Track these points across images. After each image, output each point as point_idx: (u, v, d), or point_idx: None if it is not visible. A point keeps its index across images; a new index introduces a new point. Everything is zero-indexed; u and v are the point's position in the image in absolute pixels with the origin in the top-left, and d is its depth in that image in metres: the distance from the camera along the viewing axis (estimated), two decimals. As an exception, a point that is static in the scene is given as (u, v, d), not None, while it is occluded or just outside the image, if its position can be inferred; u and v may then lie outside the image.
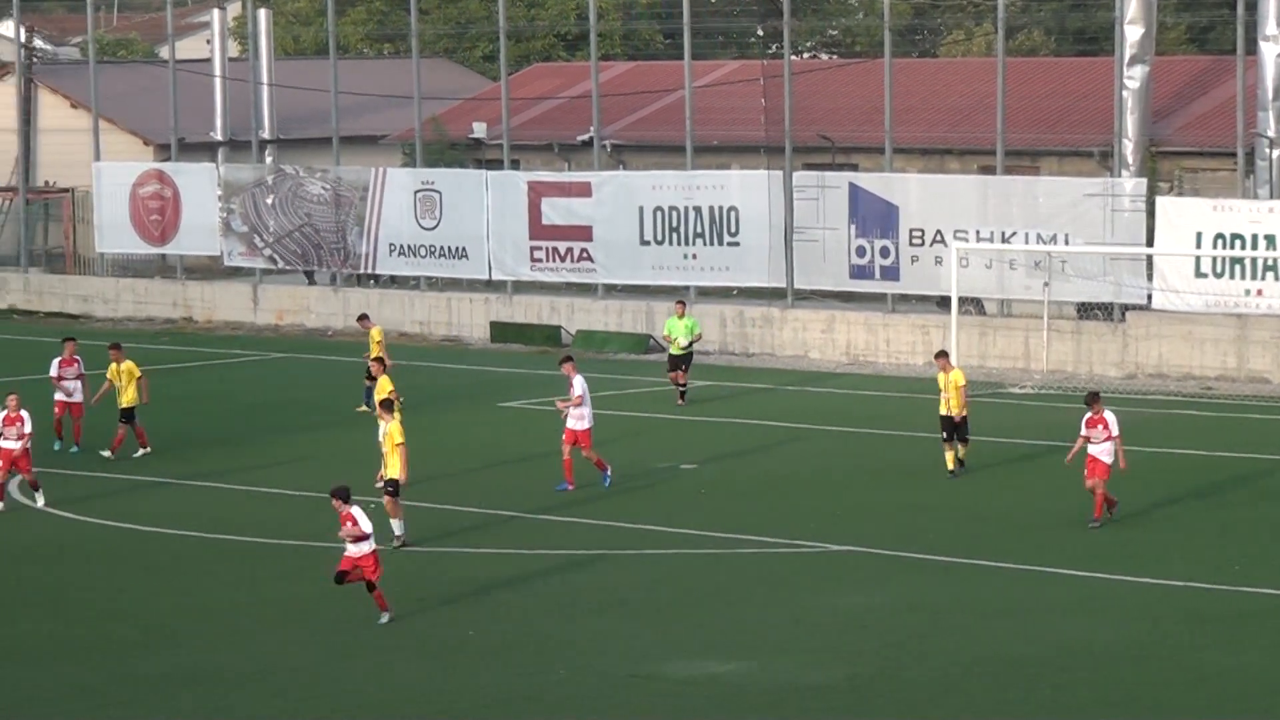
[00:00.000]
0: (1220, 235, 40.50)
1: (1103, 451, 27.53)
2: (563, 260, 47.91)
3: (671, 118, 52.70)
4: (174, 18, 57.63)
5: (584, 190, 47.77)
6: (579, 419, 30.27)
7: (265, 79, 56.13)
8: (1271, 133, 40.98)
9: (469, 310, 49.30)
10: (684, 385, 38.74)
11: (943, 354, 31.96)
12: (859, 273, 44.38)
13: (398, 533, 26.68)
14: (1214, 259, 40.44)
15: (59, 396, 34.21)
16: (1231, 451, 33.33)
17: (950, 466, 31.09)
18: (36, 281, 55.93)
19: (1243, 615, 23.23)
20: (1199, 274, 40.72)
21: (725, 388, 41.16)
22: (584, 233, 47.56)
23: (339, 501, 22.82)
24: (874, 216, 43.99)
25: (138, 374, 33.72)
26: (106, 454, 33.32)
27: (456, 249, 49.15)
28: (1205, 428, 36.00)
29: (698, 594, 24.47)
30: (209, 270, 54.92)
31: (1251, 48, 41.48)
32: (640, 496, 30.32)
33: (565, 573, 25.74)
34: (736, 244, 45.71)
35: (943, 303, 43.12)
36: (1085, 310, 42.35)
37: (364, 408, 36.13)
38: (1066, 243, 41.79)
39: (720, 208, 45.89)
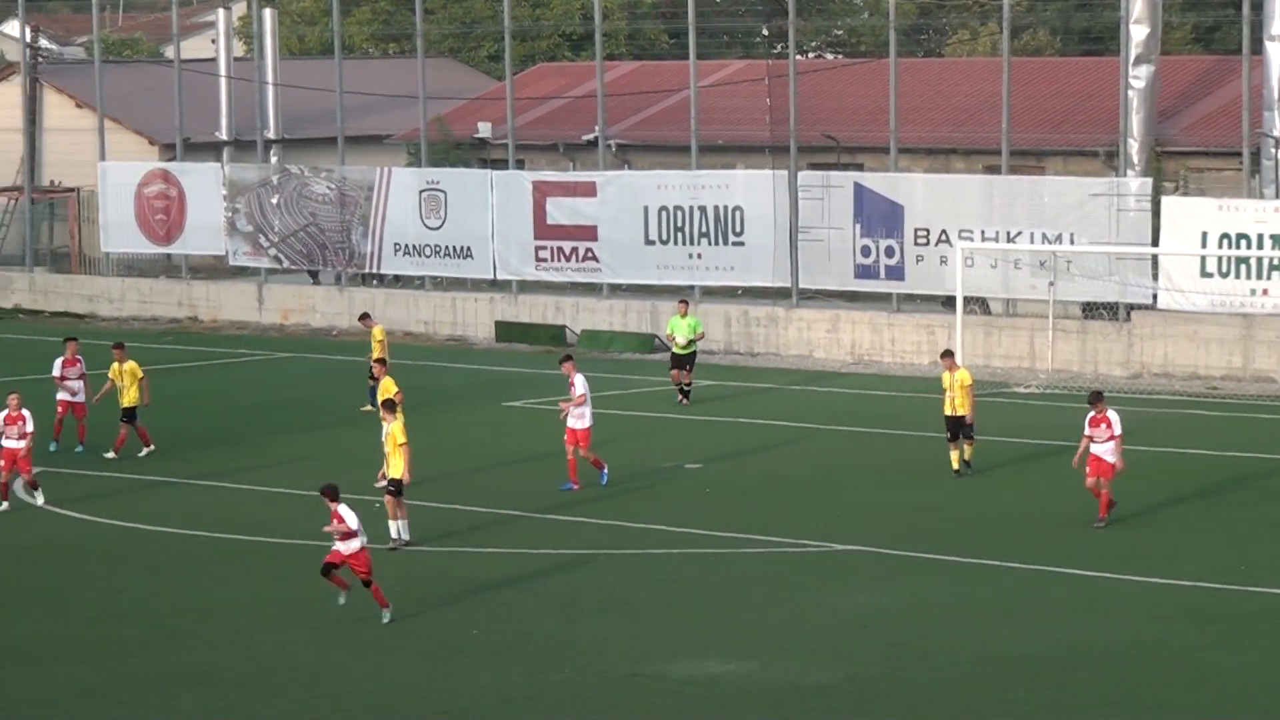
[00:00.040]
0: (1225, 235, 40.44)
1: (1106, 451, 27.47)
2: (568, 260, 47.88)
3: (676, 117, 52.66)
4: (179, 17, 57.64)
5: (589, 190, 47.75)
6: (579, 418, 30.24)
7: (270, 79, 56.11)
8: (1277, 132, 40.91)
9: (474, 310, 49.28)
10: (688, 385, 38.71)
11: (948, 354, 31.91)
12: (864, 272, 44.33)
13: (394, 535, 26.61)
14: (1219, 259, 40.39)
15: (62, 396, 34.19)
16: (1237, 451, 33.27)
17: (955, 466, 31.04)
18: (42, 281, 55.94)
19: (1248, 616, 23.18)
20: (1204, 274, 40.67)
21: (730, 387, 41.12)
22: (589, 232, 47.54)
23: (327, 499, 22.84)
24: (879, 216, 43.94)
25: (140, 374, 33.70)
26: (110, 455, 33.30)
27: (461, 249, 49.13)
28: (1211, 428, 35.94)
29: (701, 594, 24.43)
30: (214, 270, 54.92)
31: (1257, 47, 41.40)
32: (644, 496, 30.29)
33: (568, 572, 25.71)
34: (741, 244, 45.68)
35: (948, 302, 43.08)
36: (1090, 310, 42.30)
37: (369, 407, 36.10)
38: (1072, 242, 41.74)
39: (725, 207, 45.86)
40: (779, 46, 58.20)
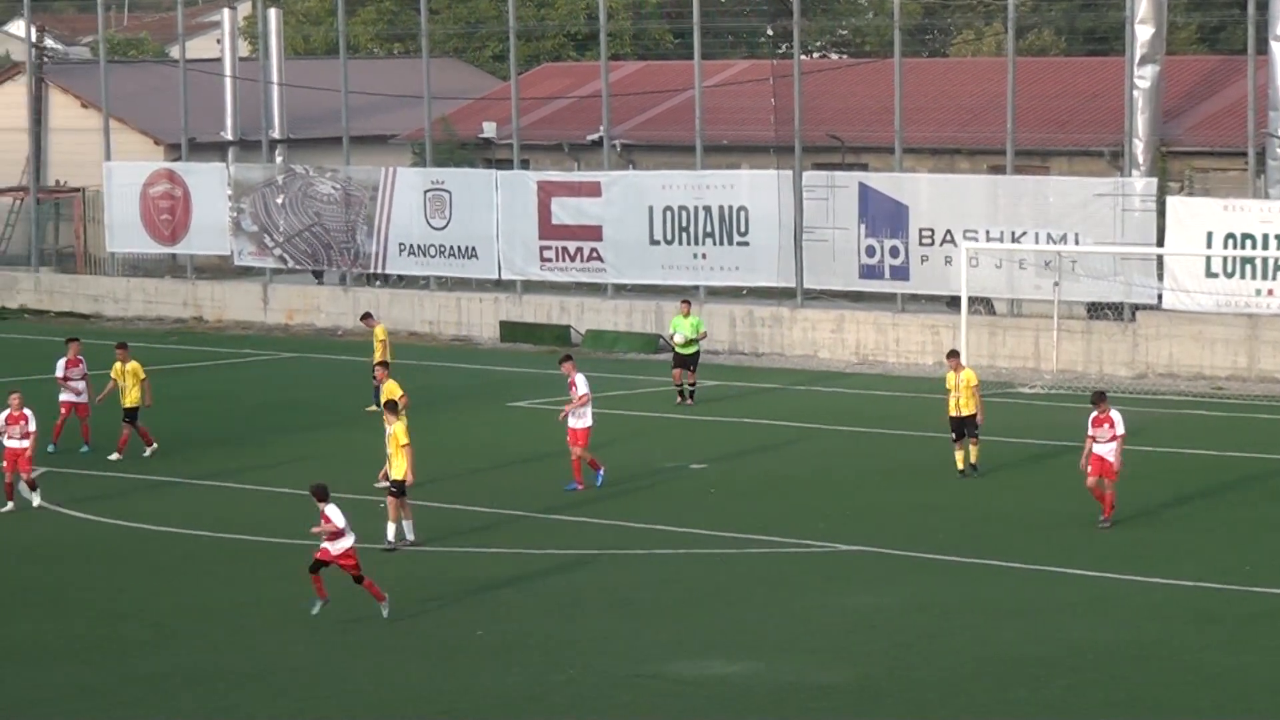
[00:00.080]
0: (1231, 235, 40.42)
1: (1108, 451, 27.43)
2: (572, 260, 47.88)
3: (681, 117, 52.64)
4: (184, 17, 57.64)
5: (594, 190, 47.75)
6: (579, 417, 30.21)
7: (275, 79, 56.13)
8: (1282, 132, 40.88)
9: (478, 310, 49.28)
10: (692, 384, 38.69)
11: (954, 354, 31.89)
12: (869, 272, 44.32)
13: (390, 536, 26.58)
14: (1225, 259, 40.37)
15: (65, 398, 34.11)
16: (1242, 451, 33.25)
17: (960, 466, 31.01)
18: (47, 281, 55.96)
19: (1251, 616, 23.16)
20: (1209, 274, 40.64)
21: (734, 387, 41.11)
22: (594, 232, 47.53)
23: (316, 499, 22.82)
24: (884, 216, 43.93)
25: (142, 375, 33.67)
26: (114, 456, 33.29)
27: (466, 249, 49.13)
28: (1216, 428, 35.91)
29: (704, 594, 24.42)
30: (219, 270, 54.94)
31: (1262, 47, 41.38)
32: (648, 496, 30.28)
33: (571, 572, 25.70)
34: (746, 244, 45.67)
35: (952, 303, 43.05)
36: (1095, 310, 42.27)
37: (374, 408, 36.10)
38: (1077, 242, 41.71)
39: (730, 207, 45.85)
40: (784, 46, 58.14)
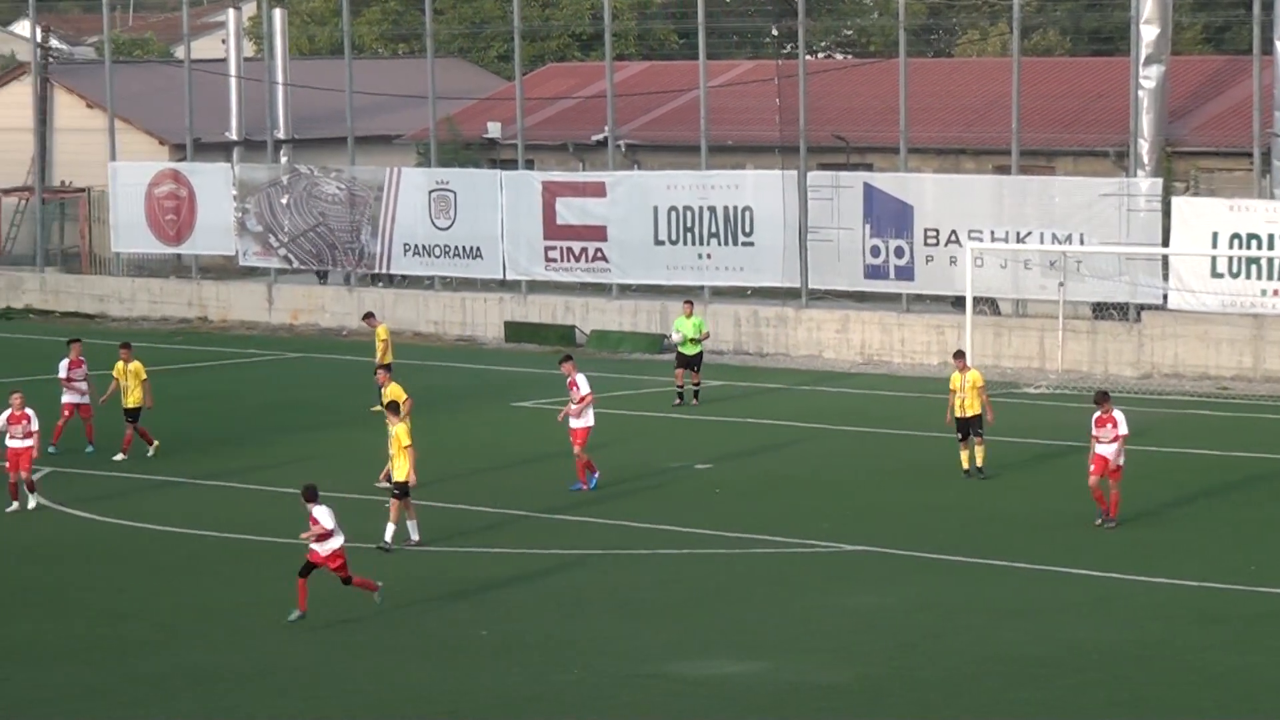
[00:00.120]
0: (1236, 235, 40.39)
1: (1111, 451, 27.39)
2: (577, 260, 47.87)
3: (686, 117, 52.64)
4: (190, 18, 57.69)
5: (598, 190, 47.74)
6: (580, 417, 30.18)
7: (280, 79, 56.16)
8: (1288, 132, 40.85)
9: (483, 310, 49.28)
10: (696, 384, 38.67)
11: (960, 354, 31.86)
12: (874, 272, 44.29)
13: (387, 537, 26.54)
14: (1230, 259, 40.33)
15: (68, 399, 34.02)
16: (1247, 452, 33.22)
17: (965, 466, 30.99)
18: (52, 281, 55.98)
19: (1255, 616, 23.14)
20: (1215, 274, 40.61)
21: (739, 387, 41.10)
22: (598, 233, 47.52)
23: (305, 501, 22.75)
24: (889, 216, 43.91)
25: (143, 376, 33.64)
26: (119, 456, 33.29)
27: (471, 249, 49.13)
28: (1221, 428, 35.89)
29: (709, 594, 24.41)
30: (224, 270, 54.95)
31: (1268, 47, 41.35)
32: (652, 496, 30.27)
33: (575, 572, 25.70)
34: (751, 244, 45.65)
35: (957, 303, 43.01)
36: (1100, 310, 42.24)
37: (378, 408, 36.08)
38: (1082, 242, 41.68)
39: (735, 208, 45.84)
40: (788, 47, 58.10)
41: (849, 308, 45.30)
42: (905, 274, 43.91)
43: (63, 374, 34.15)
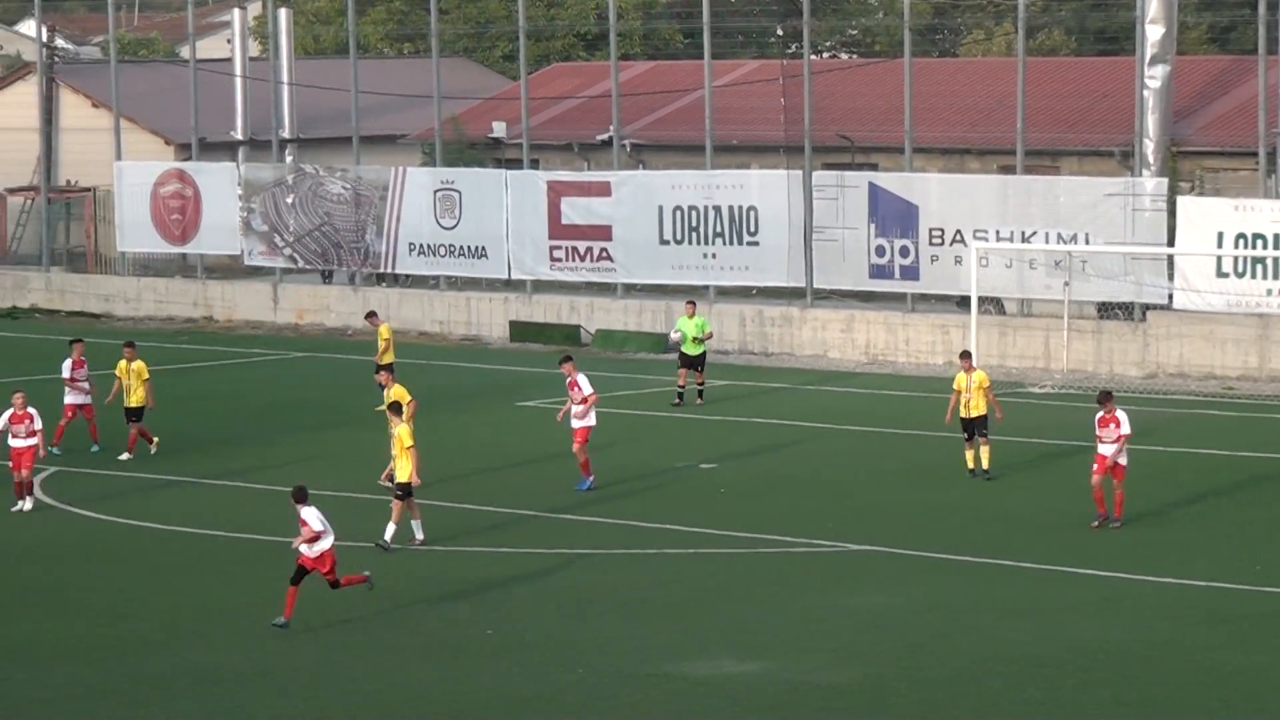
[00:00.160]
0: (1241, 235, 40.38)
1: (1114, 451, 27.38)
2: (582, 260, 47.89)
3: (691, 117, 52.64)
4: (195, 17, 57.72)
5: (603, 190, 47.76)
6: (582, 417, 30.17)
7: (285, 78, 56.17)
8: (1293, 132, 40.87)
9: (488, 310, 49.30)
10: (701, 384, 38.68)
11: (966, 354, 31.86)
12: (878, 272, 44.30)
13: (387, 537, 26.52)
14: (1235, 259, 40.33)
15: (70, 399, 33.91)
16: (1253, 451, 33.21)
17: (970, 466, 30.98)
18: (58, 281, 56.02)
19: (1262, 616, 23.14)
20: (1220, 274, 40.60)
21: (744, 387, 41.11)
22: (603, 232, 47.54)
23: (294, 501, 22.66)
24: (894, 216, 43.92)
25: (146, 375, 33.61)
26: (125, 456, 33.29)
27: (476, 248, 49.15)
28: (1226, 428, 35.88)
29: (715, 593, 24.42)
30: (229, 269, 54.98)
31: (1273, 47, 41.34)
32: (657, 496, 30.27)
33: (580, 572, 25.70)
34: (756, 244, 45.66)
35: (962, 302, 43.03)
36: (1106, 310, 42.24)
37: (383, 407, 36.11)
38: (1087, 242, 41.69)
39: (740, 207, 45.85)
40: (794, 46, 58.15)
41: (854, 307, 45.30)
42: (910, 274, 43.92)
43: (66, 374, 34.12)
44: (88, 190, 58.43)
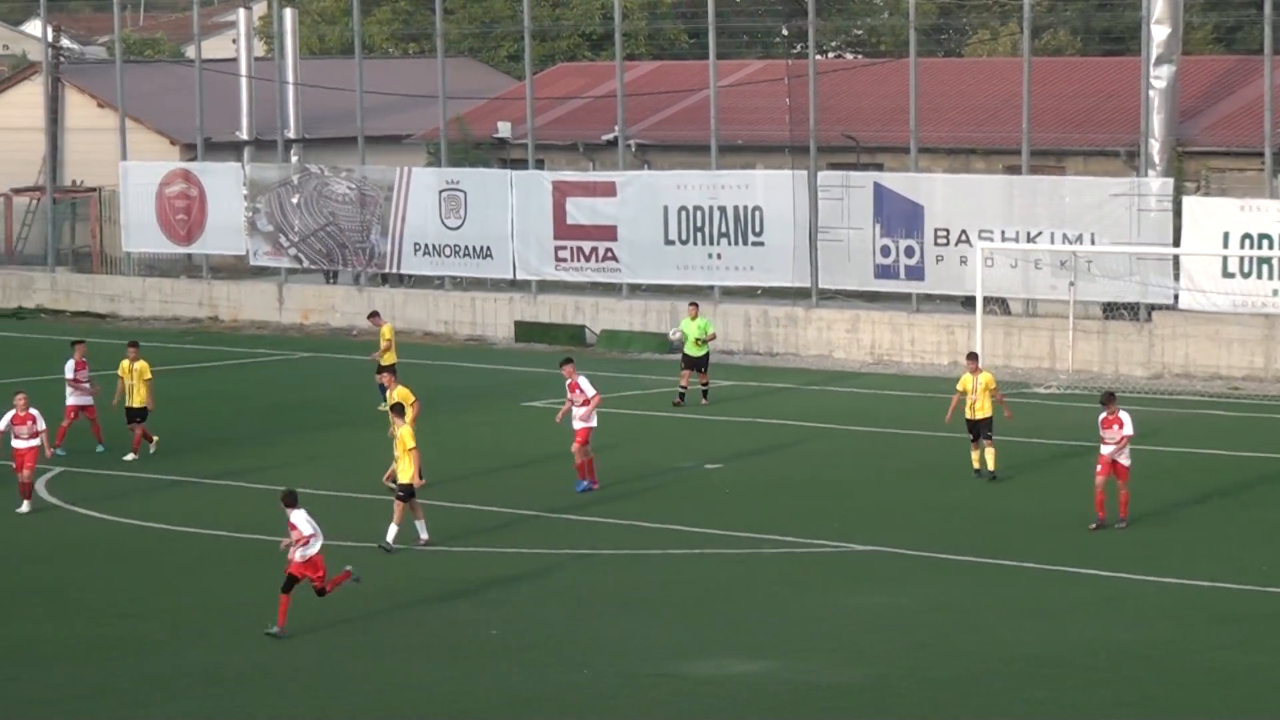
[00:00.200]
0: (1247, 235, 40.35)
1: (1118, 452, 27.34)
2: (587, 260, 47.88)
3: (696, 117, 52.64)
4: (200, 17, 57.68)
5: (609, 190, 47.75)
6: (585, 419, 30.15)
7: (291, 78, 56.18)
8: (1299, 132, 40.82)
9: (493, 310, 49.30)
10: (705, 385, 38.66)
11: (973, 356, 31.82)
12: (884, 272, 44.28)
13: (390, 538, 26.49)
14: (1241, 259, 40.30)
15: (73, 400, 33.83)
16: (1258, 451, 33.19)
17: (976, 466, 30.96)
18: (63, 281, 56.04)
19: (1268, 616, 23.12)
20: (1226, 274, 40.57)
21: (749, 387, 41.09)
22: (608, 232, 47.53)
23: (284, 505, 22.55)
24: (899, 216, 43.89)
25: (148, 376, 33.58)
26: (130, 456, 33.28)
27: (481, 248, 49.15)
28: (1232, 428, 35.86)
29: (720, 593, 24.41)
30: (234, 270, 55.00)
31: (1279, 47, 41.28)
32: (662, 496, 30.27)
33: (584, 572, 25.70)
34: (761, 244, 45.65)
35: (967, 303, 42.99)
36: (1111, 310, 42.21)
37: (384, 406, 36.13)
38: (1092, 242, 41.66)
39: (745, 207, 45.83)
40: (799, 46, 58.14)
41: (859, 307, 45.29)
42: (915, 274, 43.89)
43: (69, 374, 34.07)
44: (93, 190, 58.45)
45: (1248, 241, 40.28)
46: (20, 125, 61.41)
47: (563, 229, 48.01)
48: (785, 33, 64.65)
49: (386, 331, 38.10)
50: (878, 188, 44.37)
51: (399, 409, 27.40)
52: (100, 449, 33.84)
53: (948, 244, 43.38)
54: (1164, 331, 41.42)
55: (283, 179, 52.26)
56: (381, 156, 54.68)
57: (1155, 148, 42.15)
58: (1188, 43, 49.56)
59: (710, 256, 46.28)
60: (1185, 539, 27.19)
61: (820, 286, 45.24)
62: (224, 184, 52.86)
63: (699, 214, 46.36)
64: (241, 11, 60.10)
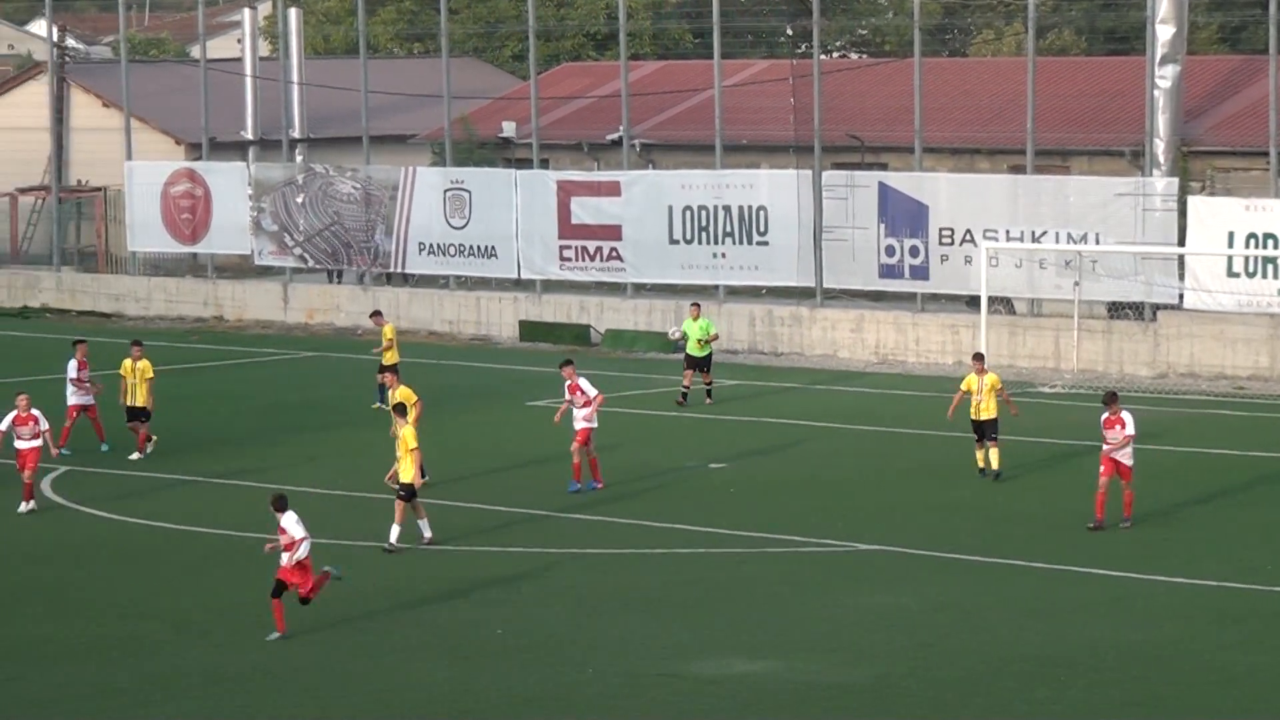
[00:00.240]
0: (1252, 235, 40.32)
1: (1121, 452, 27.31)
2: (592, 259, 47.88)
3: (701, 117, 52.63)
4: (205, 17, 57.75)
5: (613, 189, 47.74)
6: (587, 419, 30.12)
7: (296, 78, 56.22)
8: (1304, 132, 40.77)
9: (498, 309, 49.30)
10: (709, 384, 38.64)
11: (978, 356, 31.78)
12: (888, 272, 44.26)
13: (392, 538, 26.47)
14: (1246, 258, 40.26)
15: (74, 401, 33.78)
16: (1264, 451, 33.15)
17: (980, 465, 30.93)
18: (69, 280, 56.07)
19: (1275, 616, 23.09)
20: (1231, 273, 40.54)
21: (753, 387, 41.08)
22: (613, 232, 47.52)
23: (274, 509, 22.46)
24: (903, 216, 43.87)
25: (150, 375, 33.55)
26: (135, 456, 33.27)
27: (486, 248, 49.15)
28: (1237, 427, 35.82)
29: (725, 593, 24.39)
30: (240, 269, 55.03)
31: (1284, 47, 41.26)
32: (667, 495, 30.25)
33: (588, 571, 25.67)
34: (766, 243, 45.63)
35: (972, 302, 42.97)
36: (1116, 310, 42.19)
37: (379, 405, 36.14)
38: (1097, 242, 41.63)
39: (749, 207, 45.82)
40: (803, 46, 58.10)
41: (864, 307, 45.27)
42: (920, 273, 43.87)
43: (72, 374, 34.04)
44: (98, 190, 58.50)
45: (1253, 241, 40.25)
46: (25, 125, 61.46)
47: (567, 229, 48.01)
48: (790, 32, 64.63)
49: (388, 331, 38.10)
50: (882, 187, 44.35)
51: (401, 409, 27.37)
52: (104, 448, 33.84)
53: (952, 244, 43.36)
54: (1169, 331, 41.38)
55: (288, 179, 52.27)
56: (386, 156, 54.71)
57: (1160, 147, 42.13)
58: (1193, 42, 49.54)
59: (715, 256, 46.27)
60: (1191, 539, 27.15)
61: (825, 286, 45.22)
62: (229, 184, 52.88)
63: (704, 214, 46.35)
64: (246, 11, 60.17)
